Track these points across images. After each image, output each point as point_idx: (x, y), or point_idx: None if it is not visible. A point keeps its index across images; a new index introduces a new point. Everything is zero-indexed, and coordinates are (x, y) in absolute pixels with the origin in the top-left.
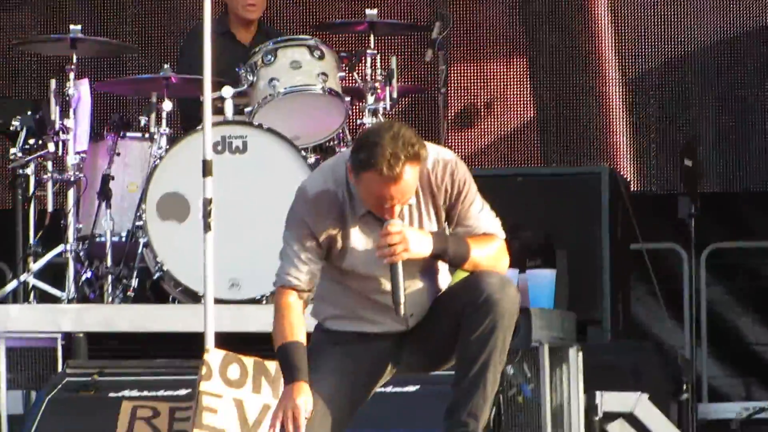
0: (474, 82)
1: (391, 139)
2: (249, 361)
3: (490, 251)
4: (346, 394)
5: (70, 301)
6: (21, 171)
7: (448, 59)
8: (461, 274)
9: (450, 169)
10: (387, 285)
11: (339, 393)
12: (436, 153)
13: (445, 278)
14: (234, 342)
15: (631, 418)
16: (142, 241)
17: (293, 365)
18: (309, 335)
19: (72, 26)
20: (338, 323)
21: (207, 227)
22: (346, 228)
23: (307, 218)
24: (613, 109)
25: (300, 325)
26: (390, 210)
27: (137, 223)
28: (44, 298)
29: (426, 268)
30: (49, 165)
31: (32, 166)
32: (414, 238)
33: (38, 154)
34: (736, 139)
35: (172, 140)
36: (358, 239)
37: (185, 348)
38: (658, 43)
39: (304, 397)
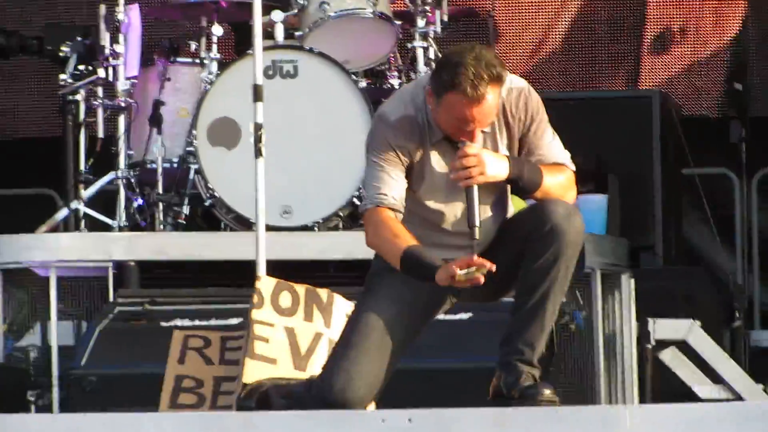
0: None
1: (474, 59)
2: (301, 288)
3: (561, 181)
4: (403, 323)
5: (121, 229)
6: (71, 97)
7: None
8: (521, 206)
9: (524, 97)
10: (459, 212)
11: (397, 322)
12: (509, 81)
13: (510, 208)
14: (286, 270)
15: (683, 346)
16: (193, 167)
17: (429, 260)
18: (370, 262)
19: None
20: None
21: (258, 153)
22: (425, 153)
23: (391, 140)
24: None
25: (407, 232)
26: (471, 134)
27: (188, 149)
28: (95, 226)
29: (496, 196)
30: (100, 91)
31: (82, 92)
32: (490, 161)
33: (88, 80)
34: None
35: (223, 65)
36: (435, 165)
37: (237, 276)
38: None
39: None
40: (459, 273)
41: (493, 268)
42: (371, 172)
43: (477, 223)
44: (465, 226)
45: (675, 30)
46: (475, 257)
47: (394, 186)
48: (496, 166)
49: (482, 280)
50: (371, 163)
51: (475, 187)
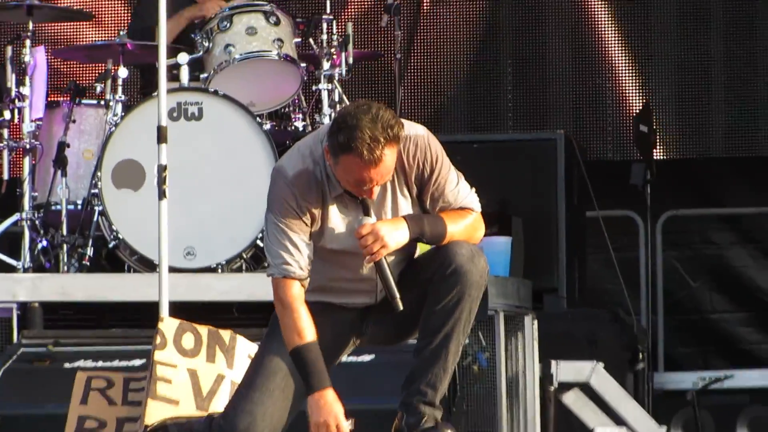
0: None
1: (371, 121)
2: (203, 330)
3: (465, 225)
4: None
5: (25, 271)
6: None
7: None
8: (426, 247)
9: (422, 146)
10: (359, 263)
11: None
12: (407, 129)
13: (415, 250)
14: (189, 311)
15: (586, 388)
16: (97, 209)
17: (314, 371)
18: (273, 303)
19: None
20: (305, 294)
21: (162, 194)
22: (325, 207)
23: (290, 199)
24: (570, 74)
25: (310, 321)
26: (369, 192)
27: (93, 191)
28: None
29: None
30: (5, 132)
31: None
32: (388, 231)
33: None
34: (694, 105)
35: (128, 107)
36: (336, 218)
37: (140, 317)
38: (616, 6)
39: (336, 408)
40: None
41: None
42: (275, 236)
43: (396, 295)
44: (366, 271)
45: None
46: None
47: (299, 255)
48: (395, 235)
49: None
50: (274, 225)
51: (384, 260)
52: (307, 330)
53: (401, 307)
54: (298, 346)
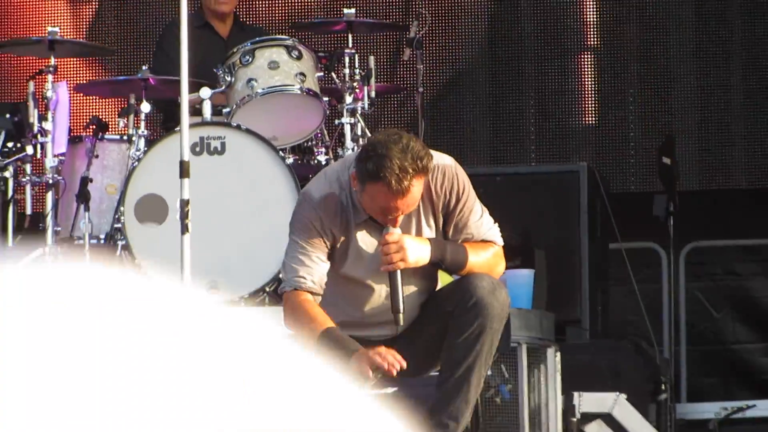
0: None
1: (401, 151)
2: None
3: (487, 258)
4: None
5: None
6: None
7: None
8: (448, 279)
9: (450, 176)
10: (383, 290)
11: None
12: (436, 159)
13: (437, 282)
14: None
15: (608, 419)
16: (120, 243)
17: (345, 344)
18: None
19: (50, 28)
20: None
21: (184, 229)
22: (349, 232)
23: (315, 220)
24: (590, 105)
25: (325, 315)
26: (394, 220)
27: (116, 226)
28: None
29: (420, 273)
30: (28, 168)
31: (11, 169)
32: (412, 247)
33: (17, 157)
34: (716, 137)
35: (150, 142)
36: (359, 245)
37: None
38: (637, 38)
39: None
40: (372, 375)
41: (404, 365)
42: (292, 253)
43: (401, 309)
44: (384, 299)
45: None
46: (387, 364)
47: (314, 269)
48: (417, 252)
49: (394, 373)
50: (294, 243)
51: (399, 273)
52: (324, 318)
53: (401, 323)
54: (321, 330)
